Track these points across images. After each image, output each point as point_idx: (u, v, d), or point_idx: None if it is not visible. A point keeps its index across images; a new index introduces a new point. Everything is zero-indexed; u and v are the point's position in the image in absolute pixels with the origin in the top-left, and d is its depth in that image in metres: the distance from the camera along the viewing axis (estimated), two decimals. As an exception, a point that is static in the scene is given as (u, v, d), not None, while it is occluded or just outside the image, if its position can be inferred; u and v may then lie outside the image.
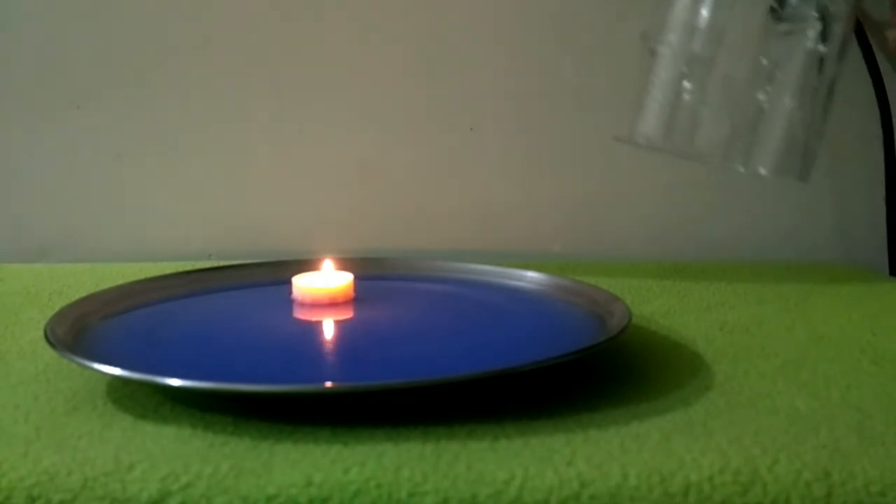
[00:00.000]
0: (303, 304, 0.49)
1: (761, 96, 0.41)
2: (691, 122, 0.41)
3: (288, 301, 0.49)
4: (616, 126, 0.73)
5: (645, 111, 0.41)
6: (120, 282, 0.50)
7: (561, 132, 0.73)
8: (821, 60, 0.41)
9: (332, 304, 0.48)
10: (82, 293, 0.47)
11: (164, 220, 0.74)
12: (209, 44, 0.72)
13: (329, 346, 0.44)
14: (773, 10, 0.41)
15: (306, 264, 0.53)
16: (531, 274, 0.53)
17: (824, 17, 0.41)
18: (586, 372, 0.39)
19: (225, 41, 0.72)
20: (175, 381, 0.32)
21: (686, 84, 0.41)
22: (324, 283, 0.49)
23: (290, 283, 0.50)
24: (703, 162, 0.42)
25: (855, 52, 0.71)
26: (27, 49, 0.72)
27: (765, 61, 0.41)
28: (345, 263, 0.53)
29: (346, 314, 0.48)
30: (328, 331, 0.46)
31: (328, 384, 0.35)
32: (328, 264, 0.52)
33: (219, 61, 0.72)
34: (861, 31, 0.70)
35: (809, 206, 0.75)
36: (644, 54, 0.42)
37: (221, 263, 0.58)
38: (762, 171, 0.41)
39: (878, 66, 0.71)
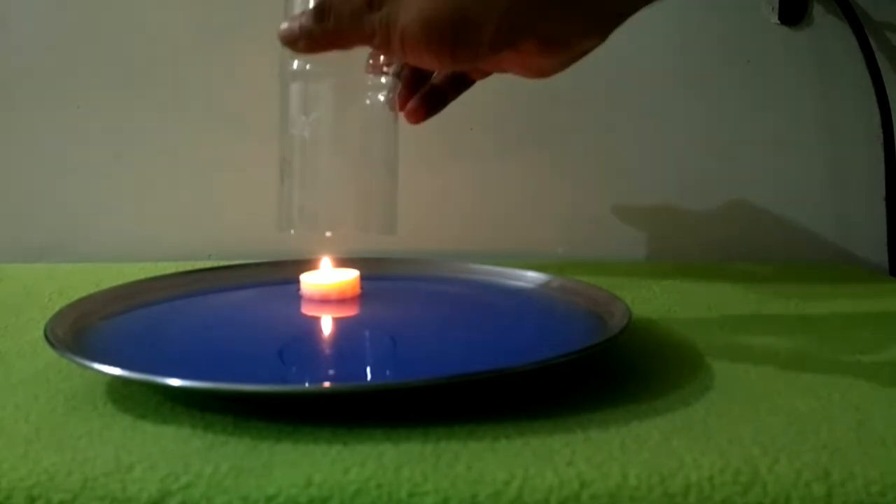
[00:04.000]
0: (306, 301, 0.49)
1: (350, 164, 0.46)
2: (311, 200, 0.46)
3: (288, 301, 0.49)
4: (617, 126, 0.73)
5: (280, 200, 0.46)
6: (120, 282, 0.50)
7: (561, 133, 0.73)
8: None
9: (334, 302, 0.48)
10: (82, 293, 0.47)
11: (164, 220, 0.74)
12: (208, 44, 0.72)
13: (329, 347, 0.44)
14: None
15: (307, 264, 0.53)
16: (531, 274, 0.53)
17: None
18: (586, 372, 0.39)
19: (224, 41, 0.72)
20: (175, 381, 0.32)
21: (294, 164, 0.46)
22: (330, 278, 0.49)
23: (290, 282, 0.50)
24: (339, 231, 0.46)
25: (855, 51, 0.71)
26: (27, 49, 0.72)
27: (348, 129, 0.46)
28: (345, 263, 0.53)
29: (346, 314, 0.48)
30: (328, 331, 0.46)
31: (328, 384, 0.35)
32: (328, 264, 0.52)
33: (218, 61, 0.72)
34: (861, 31, 0.70)
35: (809, 206, 0.75)
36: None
37: (221, 263, 0.58)
38: (377, 231, 0.46)
39: (878, 65, 0.71)
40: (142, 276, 0.52)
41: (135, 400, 0.36)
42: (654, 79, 0.73)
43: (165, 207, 0.73)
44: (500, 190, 0.74)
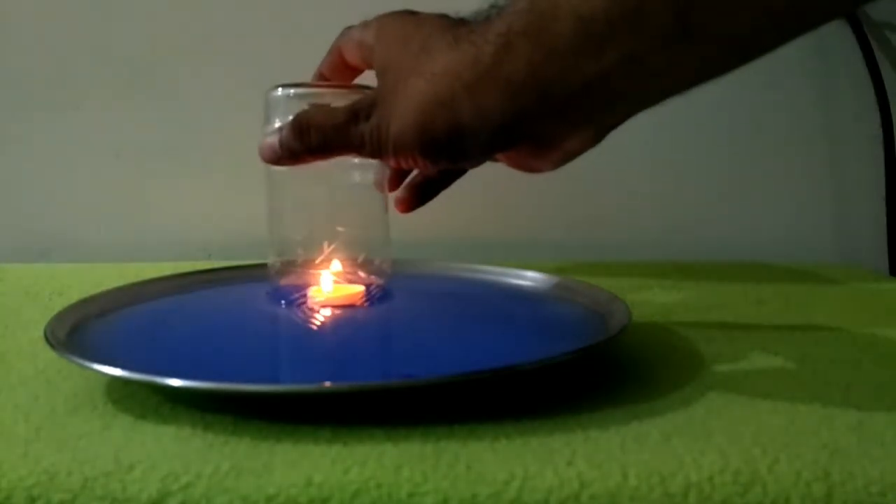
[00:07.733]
0: (305, 303, 0.48)
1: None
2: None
3: (288, 301, 0.49)
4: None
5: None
6: (120, 282, 0.50)
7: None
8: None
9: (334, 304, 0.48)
10: (82, 293, 0.47)
11: (164, 220, 0.74)
12: (209, 43, 0.72)
13: (329, 346, 0.44)
14: None
15: (308, 264, 0.53)
16: (531, 274, 0.53)
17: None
18: (586, 372, 0.39)
19: (224, 40, 0.72)
20: (175, 381, 0.32)
21: (288, 257, 0.49)
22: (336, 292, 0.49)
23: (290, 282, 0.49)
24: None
25: (855, 51, 0.71)
26: (27, 49, 0.72)
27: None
28: (346, 262, 0.53)
29: (346, 314, 0.48)
30: (328, 330, 0.46)
31: (328, 384, 0.35)
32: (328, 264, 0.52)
33: (218, 60, 0.72)
34: (861, 31, 0.70)
35: (809, 206, 0.75)
36: None
37: (221, 263, 0.58)
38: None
39: (878, 65, 0.71)
40: (142, 276, 0.52)
41: (135, 400, 0.36)
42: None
43: (165, 207, 0.73)
44: (500, 190, 0.74)
